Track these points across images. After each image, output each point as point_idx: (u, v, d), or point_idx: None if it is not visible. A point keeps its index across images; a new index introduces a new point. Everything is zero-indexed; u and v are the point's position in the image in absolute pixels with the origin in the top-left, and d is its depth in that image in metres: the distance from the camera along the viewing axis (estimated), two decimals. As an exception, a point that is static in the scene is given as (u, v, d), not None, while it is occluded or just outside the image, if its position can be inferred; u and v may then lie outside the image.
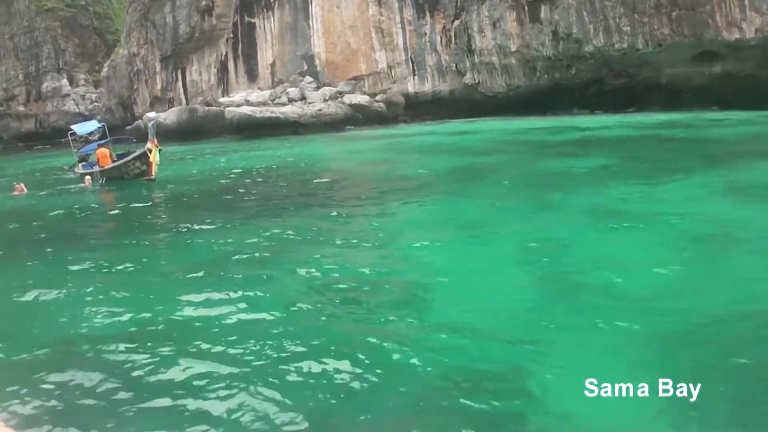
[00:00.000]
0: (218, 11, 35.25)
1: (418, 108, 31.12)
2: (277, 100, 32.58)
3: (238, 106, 31.65)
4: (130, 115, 41.65)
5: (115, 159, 16.39)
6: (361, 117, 30.07)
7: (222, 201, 11.70)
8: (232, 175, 15.50)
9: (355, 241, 6.98)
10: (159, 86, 40.27)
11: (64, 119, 47.86)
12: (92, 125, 20.18)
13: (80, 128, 19.73)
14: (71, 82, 49.90)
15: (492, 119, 26.94)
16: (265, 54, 35.20)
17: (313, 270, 5.66)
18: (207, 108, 32.43)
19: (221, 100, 34.67)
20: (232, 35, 36.06)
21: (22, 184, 15.50)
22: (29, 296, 5.80)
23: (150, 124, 16.25)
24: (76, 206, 12.42)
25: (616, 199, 8.17)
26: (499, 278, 5.32)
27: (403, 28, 30.56)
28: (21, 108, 49.31)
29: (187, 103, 38.00)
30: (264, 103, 32.27)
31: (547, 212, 7.70)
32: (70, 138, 20.01)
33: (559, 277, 5.09)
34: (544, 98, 26.07)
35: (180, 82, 39.47)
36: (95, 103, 48.54)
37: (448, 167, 13.81)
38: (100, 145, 17.28)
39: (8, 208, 13.22)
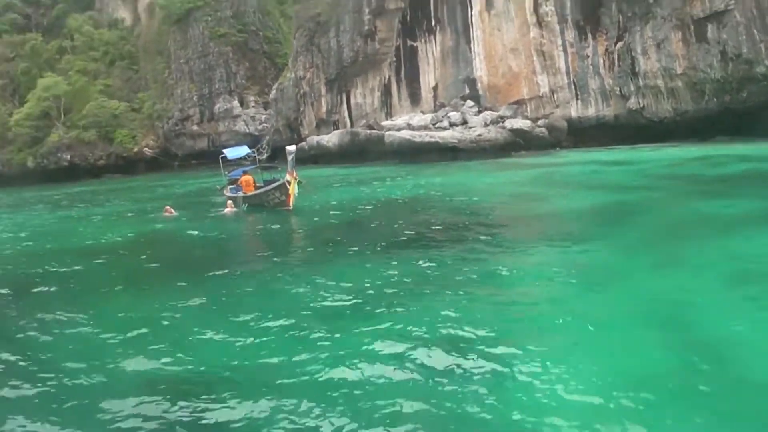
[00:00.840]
0: (381, 35, 44.25)
1: (581, 133, 36.57)
2: (438, 124, 40.21)
3: (399, 129, 39.85)
4: (296, 136, 52.30)
5: (259, 186, 21.57)
6: (522, 142, 36.41)
7: (358, 232, 15.05)
8: (377, 203, 20.41)
9: (476, 286, 8.38)
10: (324, 109, 50.46)
11: (234, 139, 61.15)
12: (243, 150, 25.96)
13: (231, 152, 25.04)
14: (242, 103, 63.04)
15: (657, 146, 31.23)
16: (428, 77, 43.26)
17: (430, 317, 6.94)
18: (368, 131, 41.32)
19: (384, 123, 43.35)
20: (395, 59, 44.80)
21: (171, 207, 21.27)
22: (164, 319, 8.16)
23: (290, 157, 19.56)
24: (215, 232, 17.08)
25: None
26: (622, 342, 6.19)
27: (564, 50, 36.45)
28: (195, 127, 63.48)
29: (352, 125, 47.53)
30: (425, 127, 40.08)
31: (683, 268, 8.61)
32: (221, 161, 26.26)
33: (686, 354, 5.72)
34: (712, 123, 29.95)
35: (345, 105, 49.23)
36: (264, 124, 60.87)
37: (596, 205, 16.44)
38: (245, 172, 22.85)
39: (155, 229, 18.71)
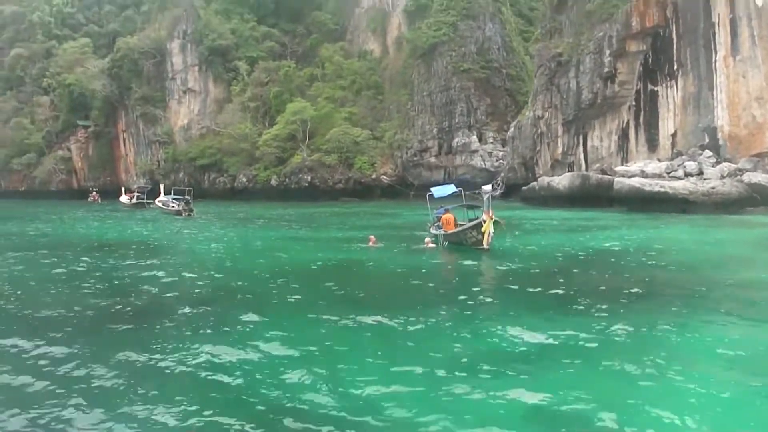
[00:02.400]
0: (621, 78, 50.92)
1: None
2: (672, 173, 45.71)
3: (632, 176, 45.88)
4: (531, 175, 60.19)
5: (459, 224, 25.02)
6: (759, 198, 40.53)
7: (547, 282, 16.64)
8: (582, 253, 22.96)
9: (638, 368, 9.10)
10: (560, 150, 57.84)
11: (470, 173, 70.91)
12: (449, 189, 29.09)
13: (438, 191, 28.28)
14: (480, 138, 72.50)
15: None
16: (667, 124, 48.99)
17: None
18: (600, 176, 48.08)
19: (617, 168, 49.68)
20: (634, 103, 51.20)
21: (375, 238, 25.52)
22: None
23: (486, 197, 22.58)
24: (406, 267, 20.20)
25: None
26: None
27: (816, 101, 40.29)
28: (432, 159, 74.09)
29: (587, 168, 54.36)
30: (659, 175, 45.78)
31: None
32: (428, 198, 29.51)
33: None
34: None
35: (581, 147, 56.25)
36: (501, 161, 69.72)
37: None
38: (447, 210, 26.14)
39: (354, 257, 22.70)
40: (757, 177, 41.71)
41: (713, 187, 41.61)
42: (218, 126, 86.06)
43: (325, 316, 13.03)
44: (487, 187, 24.06)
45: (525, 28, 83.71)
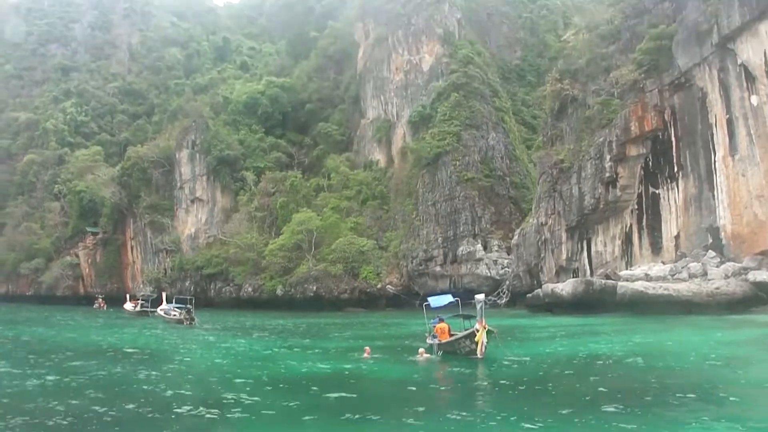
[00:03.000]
0: (622, 182, 51.28)
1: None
2: (677, 275, 45.27)
3: (636, 280, 45.41)
4: (536, 282, 59.70)
5: (453, 334, 24.81)
6: (765, 296, 40.12)
7: (538, 392, 16.79)
8: (578, 360, 22.97)
9: None
10: (564, 256, 57.59)
11: (476, 282, 70.40)
12: (446, 299, 29.08)
13: (434, 301, 28.58)
14: (485, 247, 72.38)
15: None
16: (669, 226, 48.99)
17: None
18: (603, 281, 47.53)
19: (621, 273, 49.25)
20: (636, 206, 51.34)
21: (369, 348, 25.60)
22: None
23: (478, 306, 22.61)
24: (403, 376, 20.61)
25: None
26: None
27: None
28: (438, 268, 73.65)
29: (591, 274, 53.90)
30: (663, 278, 45.32)
31: None
32: (424, 308, 29.42)
33: None
34: None
35: (585, 253, 56.07)
36: (506, 269, 69.17)
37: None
38: (441, 320, 26.12)
39: (347, 368, 22.58)
40: (762, 275, 41.49)
41: (717, 288, 41.24)
42: (225, 235, 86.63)
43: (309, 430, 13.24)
44: (480, 296, 23.54)
45: (528, 136, 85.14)
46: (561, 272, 58.16)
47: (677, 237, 48.94)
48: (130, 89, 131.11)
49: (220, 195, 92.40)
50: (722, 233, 45.86)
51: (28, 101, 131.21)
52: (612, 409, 14.07)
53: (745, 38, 44.37)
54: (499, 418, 14.13)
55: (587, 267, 56.00)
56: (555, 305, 51.21)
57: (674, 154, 49.28)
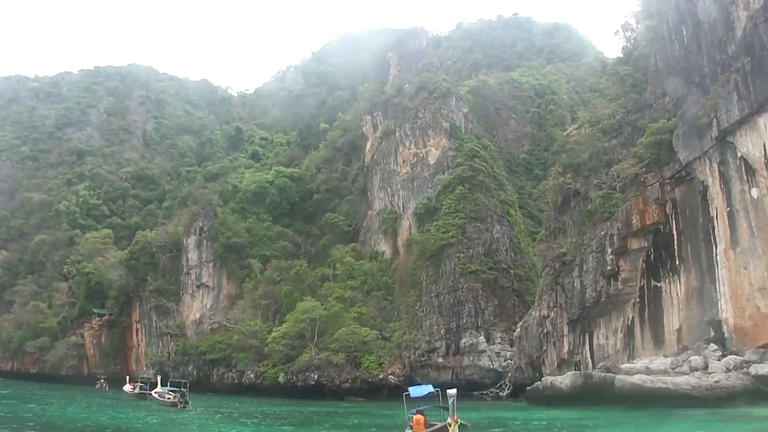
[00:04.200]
0: (624, 275, 51.63)
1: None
2: (678, 369, 45.11)
3: (636, 373, 45.10)
4: (538, 374, 59.29)
5: (431, 424, 25.52)
6: (767, 390, 39.53)
7: None
8: None
9: None
10: (566, 349, 57.49)
11: (478, 373, 70.14)
12: (425, 389, 29.61)
13: (414, 391, 28.96)
14: (488, 339, 72.23)
15: None
16: (672, 319, 49.13)
17: None
18: (602, 374, 47.32)
19: (622, 366, 49.05)
20: (638, 299, 51.54)
21: None
22: None
23: (450, 401, 23.44)
24: None
25: None
26: None
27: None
28: (440, 360, 73.26)
29: (593, 367, 53.44)
30: (664, 371, 45.16)
31: None
32: (404, 398, 30.40)
33: None
34: None
35: (587, 346, 56.01)
36: (508, 361, 68.60)
37: None
38: (418, 411, 26.57)
39: None
40: (764, 368, 41.02)
41: (717, 381, 41.00)
42: (229, 321, 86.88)
43: None
44: (452, 391, 24.19)
45: (535, 228, 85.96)
46: (563, 365, 57.85)
47: (679, 330, 48.89)
48: (143, 174, 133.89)
49: (225, 281, 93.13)
50: (724, 326, 45.80)
51: (42, 183, 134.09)
52: None
53: (744, 131, 45.26)
54: None
55: (589, 360, 55.73)
56: (554, 398, 50.81)
57: (675, 247, 49.73)
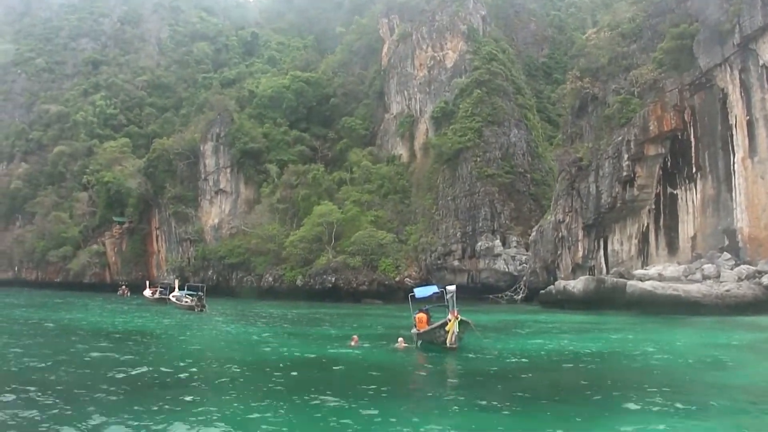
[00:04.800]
0: (640, 182, 50.79)
1: None
2: (690, 276, 44.79)
3: (649, 279, 44.84)
4: (552, 279, 59.41)
5: (431, 324, 25.36)
6: (777, 300, 39.38)
7: (496, 384, 17.17)
8: (558, 356, 23.20)
9: None
10: (581, 254, 57.27)
11: (494, 277, 70.38)
12: (430, 290, 29.06)
13: (420, 291, 28.34)
14: (504, 243, 72.09)
15: None
16: (686, 227, 48.47)
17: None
18: (615, 280, 47.17)
19: (636, 272, 48.83)
20: (654, 206, 50.85)
21: (357, 337, 26.44)
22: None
23: (448, 297, 23.54)
24: (380, 362, 21.60)
25: None
26: None
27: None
28: (456, 263, 73.48)
29: (607, 272, 53.42)
30: (676, 279, 44.89)
31: None
32: (410, 299, 29.80)
33: None
34: None
35: (601, 251, 55.76)
36: (524, 265, 68.70)
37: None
38: (421, 310, 26.58)
39: (330, 353, 24.03)
40: (777, 278, 40.76)
41: (728, 290, 40.79)
42: (247, 226, 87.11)
43: (271, 402, 14.29)
44: (451, 287, 24.22)
45: (553, 133, 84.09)
46: (577, 270, 57.81)
47: (693, 238, 48.40)
48: (159, 83, 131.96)
49: (243, 187, 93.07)
50: (739, 236, 45.29)
51: (59, 94, 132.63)
52: (553, 402, 14.39)
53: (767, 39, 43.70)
54: (454, 407, 14.49)
55: (603, 265, 55.58)
56: (567, 302, 51.02)
57: (693, 154, 48.66)
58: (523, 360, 22.52)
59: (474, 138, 74.78)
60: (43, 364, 19.90)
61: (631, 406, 13.23)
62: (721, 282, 42.17)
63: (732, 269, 43.37)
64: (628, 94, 54.20)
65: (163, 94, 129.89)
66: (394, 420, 12.76)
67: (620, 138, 52.65)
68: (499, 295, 68.91)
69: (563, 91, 67.88)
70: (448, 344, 23.15)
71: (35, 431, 11.67)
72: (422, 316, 26.26)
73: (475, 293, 69.54)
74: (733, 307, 39.59)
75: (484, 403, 14.72)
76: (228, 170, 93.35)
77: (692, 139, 48.71)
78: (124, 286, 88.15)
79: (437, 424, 12.66)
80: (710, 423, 11.64)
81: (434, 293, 28.20)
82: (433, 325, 24.58)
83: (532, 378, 18.46)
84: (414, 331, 26.22)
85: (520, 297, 66.87)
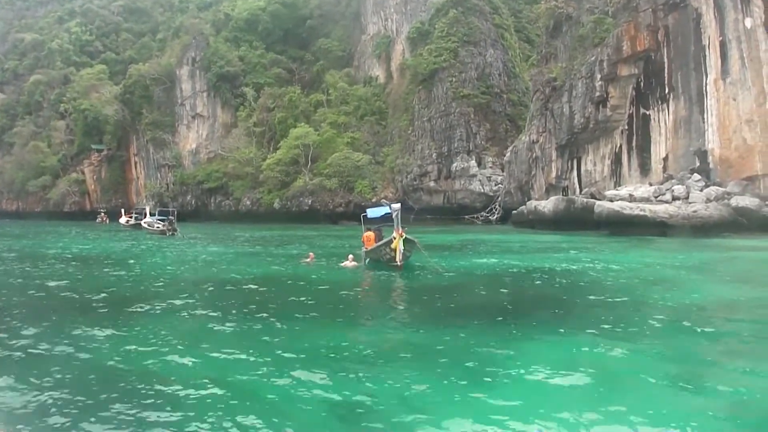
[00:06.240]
0: (613, 102, 49.08)
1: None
2: (660, 197, 43.67)
3: (617, 200, 43.84)
4: (527, 199, 58.21)
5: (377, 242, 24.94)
6: (745, 222, 38.53)
7: (435, 300, 17.03)
8: (510, 272, 22.94)
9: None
10: (554, 174, 56.04)
11: (470, 197, 69.27)
12: (382, 210, 27.99)
13: (371, 212, 27.59)
14: (479, 163, 70.77)
15: None
16: (659, 148, 47.07)
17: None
18: (585, 200, 46.13)
19: (607, 192, 47.72)
20: (626, 127, 49.26)
21: (313, 254, 26.77)
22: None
23: (394, 214, 23.04)
24: (326, 279, 21.41)
25: None
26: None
27: (807, 123, 38.21)
28: (432, 184, 72.30)
29: (580, 192, 52.17)
30: (647, 199, 43.79)
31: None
32: (362, 219, 29.70)
33: None
34: None
35: (575, 172, 54.48)
36: (499, 185, 67.48)
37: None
38: (369, 229, 26.29)
39: (280, 271, 24.16)
40: (744, 201, 39.63)
41: (695, 211, 39.61)
42: (224, 150, 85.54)
43: (216, 316, 14.21)
44: (396, 206, 23.83)
45: (531, 53, 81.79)
46: (551, 190, 56.61)
47: (665, 159, 46.89)
48: (135, 7, 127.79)
49: (220, 111, 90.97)
50: (710, 157, 43.78)
51: (33, 22, 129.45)
52: (488, 320, 13.86)
53: (741, -43, 41.46)
54: (389, 322, 14.28)
55: (576, 186, 54.32)
56: (538, 222, 50.23)
57: (666, 75, 46.56)
58: (470, 278, 21.99)
59: (449, 58, 72.34)
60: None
61: (563, 325, 12.65)
62: (690, 203, 41.07)
63: (701, 191, 42.21)
64: (602, 13, 52.02)
65: (139, 19, 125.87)
66: (319, 333, 12.44)
67: (593, 58, 50.53)
68: (475, 216, 68.02)
69: (538, 11, 65.53)
70: (398, 261, 22.69)
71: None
72: (370, 234, 25.91)
73: (451, 214, 68.70)
74: (699, 227, 38.43)
75: (420, 318, 14.50)
76: (204, 94, 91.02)
77: (665, 59, 46.57)
78: (103, 214, 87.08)
79: (366, 335, 12.60)
80: (635, 345, 10.89)
81: (386, 213, 26.72)
82: (379, 243, 24.20)
83: (473, 296, 17.92)
84: (363, 249, 25.81)
85: (495, 217, 66.04)
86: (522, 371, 9.24)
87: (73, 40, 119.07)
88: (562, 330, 12.17)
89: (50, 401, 8.29)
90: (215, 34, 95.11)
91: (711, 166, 43.77)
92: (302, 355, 10.52)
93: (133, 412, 7.80)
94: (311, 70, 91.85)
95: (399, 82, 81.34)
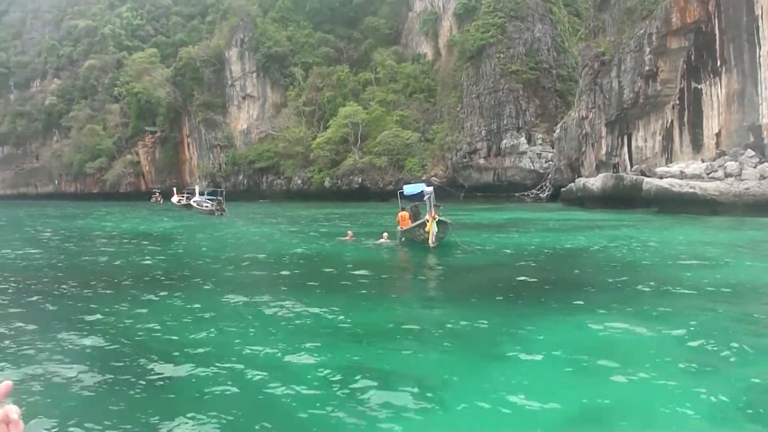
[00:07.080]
0: (663, 76, 48.25)
1: None
2: (712, 174, 42.92)
3: (668, 177, 43.26)
4: (577, 176, 57.67)
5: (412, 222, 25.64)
6: (801, 199, 37.59)
7: (475, 280, 17.05)
8: (547, 252, 22.93)
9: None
10: (604, 151, 55.39)
11: (520, 175, 69.12)
12: (419, 188, 27.84)
13: (408, 189, 27.99)
14: (529, 140, 70.37)
15: None
16: (711, 123, 46.10)
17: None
18: (634, 177, 45.76)
19: (658, 169, 47.10)
20: (678, 102, 48.34)
21: (351, 233, 27.35)
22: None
23: (426, 197, 23.44)
24: (362, 257, 22.01)
25: None
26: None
27: None
28: (481, 161, 72.23)
29: (631, 169, 51.53)
30: (698, 176, 43.08)
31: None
32: (399, 196, 29.63)
33: None
34: None
35: (625, 148, 53.69)
36: (549, 162, 67.01)
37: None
38: (403, 208, 26.98)
39: (321, 249, 25.21)
40: (801, 177, 38.86)
41: (747, 188, 38.82)
42: (275, 130, 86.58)
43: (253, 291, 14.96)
44: (429, 189, 24.04)
45: (580, 27, 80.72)
46: (601, 167, 55.94)
47: (718, 134, 45.96)
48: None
49: (269, 91, 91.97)
50: (764, 132, 42.73)
51: (86, 8, 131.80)
52: (522, 298, 14.09)
53: (798, -77, 40.19)
54: (424, 299, 14.88)
55: (627, 162, 53.61)
56: (587, 199, 50.03)
57: (717, 48, 45.45)
58: (504, 257, 22.09)
59: (497, 34, 71.88)
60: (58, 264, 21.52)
61: (589, 305, 12.65)
62: (742, 180, 40.35)
63: (755, 167, 41.37)
64: (650, -16, 51.02)
65: (189, 2, 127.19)
66: (341, 309, 12.67)
67: (642, 31, 49.62)
68: (525, 194, 67.77)
69: (586, -17, 64.52)
70: (431, 243, 22.97)
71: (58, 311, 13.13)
72: (405, 213, 26.49)
73: (501, 191, 68.51)
74: (751, 206, 37.39)
75: (452, 296, 14.88)
76: (254, 75, 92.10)
77: (716, 31, 45.48)
78: (157, 194, 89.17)
79: (396, 308, 13.16)
80: (659, 326, 10.73)
81: (423, 191, 26.91)
82: (413, 224, 24.76)
83: (504, 274, 17.95)
84: (399, 228, 26.28)
85: (545, 195, 65.67)
86: (543, 351, 9.31)
87: (125, 24, 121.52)
88: (588, 310, 12.13)
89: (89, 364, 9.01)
90: (262, 15, 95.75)
91: (765, 141, 42.70)
92: (328, 330, 10.87)
93: (163, 377, 8.41)
94: (359, 49, 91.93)
95: (447, 59, 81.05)
